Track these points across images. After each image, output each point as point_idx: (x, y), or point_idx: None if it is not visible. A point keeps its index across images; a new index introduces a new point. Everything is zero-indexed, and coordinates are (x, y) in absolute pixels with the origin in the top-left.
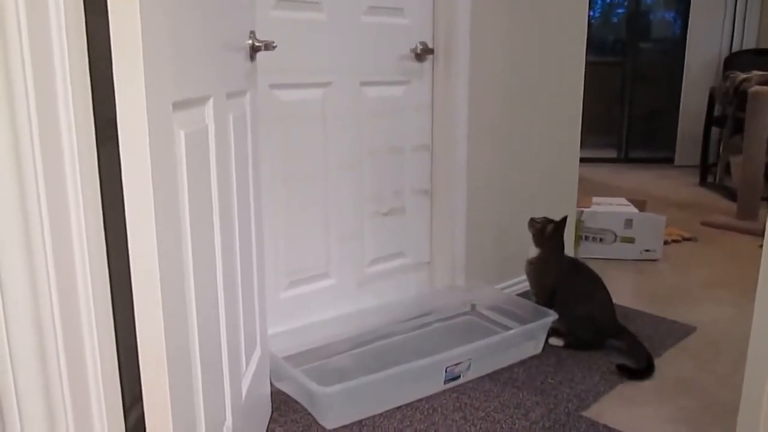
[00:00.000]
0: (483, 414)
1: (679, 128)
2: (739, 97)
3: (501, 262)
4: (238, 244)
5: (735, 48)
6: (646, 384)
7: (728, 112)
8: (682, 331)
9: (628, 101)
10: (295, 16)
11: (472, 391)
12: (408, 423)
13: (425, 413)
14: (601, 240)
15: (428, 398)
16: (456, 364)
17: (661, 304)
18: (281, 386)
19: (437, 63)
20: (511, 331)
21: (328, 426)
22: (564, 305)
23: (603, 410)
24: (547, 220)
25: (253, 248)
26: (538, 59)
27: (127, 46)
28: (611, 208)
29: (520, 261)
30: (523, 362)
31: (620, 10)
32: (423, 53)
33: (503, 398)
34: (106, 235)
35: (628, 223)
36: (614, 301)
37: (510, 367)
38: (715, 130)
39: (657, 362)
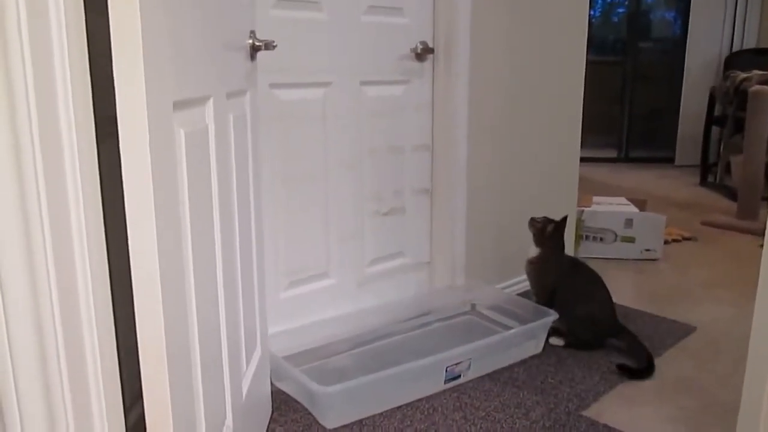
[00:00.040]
0: (483, 413)
1: (679, 128)
2: (740, 96)
3: (501, 261)
4: (238, 244)
5: (735, 47)
6: (646, 384)
7: (728, 112)
8: (682, 330)
9: (629, 101)
10: (295, 15)
11: (472, 391)
12: (408, 423)
13: (425, 413)
14: (601, 239)
15: (428, 398)
16: (456, 364)
17: (661, 303)
18: (281, 386)
19: (437, 62)
20: (512, 331)
21: (329, 426)
22: (564, 305)
23: (603, 410)
24: (548, 220)
25: (253, 248)
26: (539, 59)
27: (127, 45)
28: (611, 208)
29: (520, 261)
30: (523, 362)
31: (621, 10)
32: (423, 53)
33: (503, 398)
34: (106, 233)
35: (629, 222)
36: (614, 300)
37: (510, 367)
38: (715, 130)
39: (657, 362)
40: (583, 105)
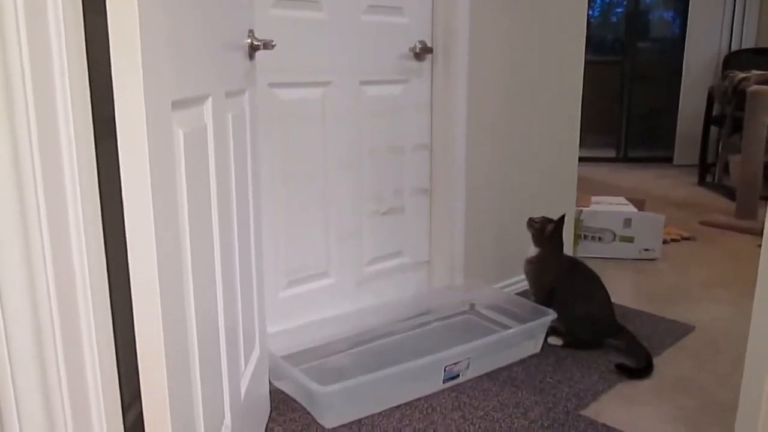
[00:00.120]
0: (482, 413)
1: (678, 127)
2: (738, 96)
3: (500, 261)
4: (237, 243)
5: (734, 47)
6: (645, 383)
7: (727, 112)
8: (681, 330)
9: (627, 100)
10: (294, 14)
11: (471, 390)
12: (407, 422)
13: (424, 412)
14: (600, 239)
15: (427, 397)
16: (455, 363)
17: (660, 303)
18: (280, 385)
19: (436, 62)
20: (510, 331)
21: (327, 425)
22: (563, 304)
23: (602, 409)
24: (546, 220)
25: (252, 247)
26: (538, 58)
27: (125, 44)
28: (610, 208)
29: (519, 260)
30: (522, 361)
31: (619, 10)
32: (422, 52)
33: (502, 397)
34: (105, 233)
35: (627, 222)
36: (613, 300)
37: (509, 366)
38: (714, 130)
39: (656, 361)
40: (582, 105)
